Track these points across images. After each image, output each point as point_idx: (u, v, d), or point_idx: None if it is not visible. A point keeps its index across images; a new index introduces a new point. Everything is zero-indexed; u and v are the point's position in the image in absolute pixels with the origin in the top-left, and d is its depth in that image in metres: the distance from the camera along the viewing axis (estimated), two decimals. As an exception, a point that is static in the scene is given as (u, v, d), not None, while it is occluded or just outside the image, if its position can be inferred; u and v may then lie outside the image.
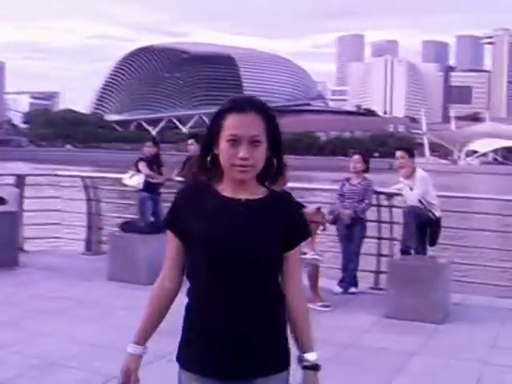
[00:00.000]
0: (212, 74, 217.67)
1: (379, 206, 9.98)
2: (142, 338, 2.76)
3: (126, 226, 10.41)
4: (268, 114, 2.65)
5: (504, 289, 10.56)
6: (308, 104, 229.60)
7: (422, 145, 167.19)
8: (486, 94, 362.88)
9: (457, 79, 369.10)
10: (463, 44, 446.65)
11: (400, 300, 8.06)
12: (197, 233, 2.59)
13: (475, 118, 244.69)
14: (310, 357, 2.69)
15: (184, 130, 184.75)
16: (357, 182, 9.53)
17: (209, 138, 2.68)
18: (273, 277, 2.67)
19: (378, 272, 9.89)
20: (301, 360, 2.70)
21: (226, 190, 2.67)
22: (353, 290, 9.36)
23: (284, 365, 2.66)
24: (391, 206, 9.93)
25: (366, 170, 9.68)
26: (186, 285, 2.70)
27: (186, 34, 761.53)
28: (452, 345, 7.10)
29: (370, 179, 9.66)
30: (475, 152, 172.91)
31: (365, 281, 9.83)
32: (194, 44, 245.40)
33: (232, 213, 2.62)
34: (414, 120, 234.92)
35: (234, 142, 2.57)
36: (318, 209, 8.93)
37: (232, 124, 2.58)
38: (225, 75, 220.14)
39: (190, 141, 11.13)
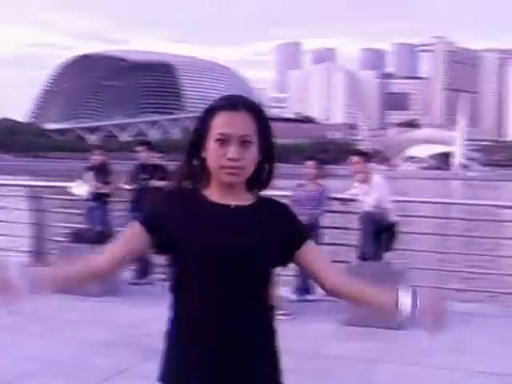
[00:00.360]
0: (151, 82, 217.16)
1: (334, 211, 9.87)
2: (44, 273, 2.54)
3: (74, 236, 10.12)
4: (260, 114, 2.48)
5: (461, 293, 10.56)
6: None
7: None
8: (422, 100, 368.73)
9: (394, 86, 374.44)
10: (400, 52, 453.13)
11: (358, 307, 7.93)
12: (189, 244, 2.38)
13: (413, 125, 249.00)
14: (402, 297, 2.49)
15: (123, 138, 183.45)
16: (312, 187, 9.40)
17: (195, 139, 2.50)
18: (267, 286, 2.50)
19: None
20: (402, 304, 2.48)
21: (213, 195, 2.49)
22: (309, 297, 9.22)
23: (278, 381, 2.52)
24: (346, 212, 9.83)
25: (321, 176, 9.56)
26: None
27: (125, 41, 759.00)
28: (415, 351, 6.99)
29: (325, 185, 9.54)
30: (413, 158, 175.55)
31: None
32: (133, 52, 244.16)
33: (224, 220, 2.44)
34: (352, 126, 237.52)
35: (223, 141, 2.39)
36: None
37: (221, 122, 2.41)
38: (164, 83, 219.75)
39: (140, 148, 10.82)
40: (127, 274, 10.06)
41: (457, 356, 6.86)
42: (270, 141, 2.52)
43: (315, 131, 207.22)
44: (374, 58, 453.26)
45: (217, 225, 2.43)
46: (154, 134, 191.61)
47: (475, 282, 11.91)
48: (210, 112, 2.46)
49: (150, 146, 11.03)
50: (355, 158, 9.06)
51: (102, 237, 9.81)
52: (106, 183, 10.72)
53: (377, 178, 8.97)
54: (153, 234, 2.44)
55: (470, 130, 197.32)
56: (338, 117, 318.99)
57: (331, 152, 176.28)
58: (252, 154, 2.43)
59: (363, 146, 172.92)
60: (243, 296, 2.41)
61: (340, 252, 10.00)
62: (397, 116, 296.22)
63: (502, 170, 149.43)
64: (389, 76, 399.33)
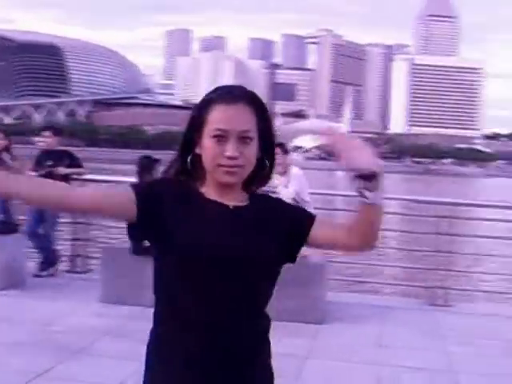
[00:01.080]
0: (36, 63, 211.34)
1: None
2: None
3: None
4: (260, 106, 2.30)
5: (380, 286, 10.60)
6: (136, 97, 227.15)
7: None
8: (309, 91, 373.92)
9: (282, 76, 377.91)
10: (288, 43, 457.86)
11: (279, 301, 7.78)
12: (188, 241, 2.17)
13: (300, 115, 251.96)
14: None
15: (7, 121, 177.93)
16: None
17: (189, 134, 2.29)
18: (268, 289, 2.35)
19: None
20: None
21: (209, 193, 2.29)
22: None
23: None
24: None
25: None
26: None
27: (10, 20, 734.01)
28: (340, 346, 6.95)
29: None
30: (300, 148, 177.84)
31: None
32: (18, 31, 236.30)
33: (224, 221, 2.25)
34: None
35: (221, 138, 2.20)
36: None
37: (218, 117, 2.21)
38: (50, 65, 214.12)
39: (47, 133, 10.23)
40: (31, 264, 9.57)
41: (382, 351, 6.85)
42: (272, 135, 2.34)
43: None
44: (263, 48, 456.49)
45: (217, 225, 2.24)
46: (37, 118, 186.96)
47: (388, 275, 12.04)
48: (205, 104, 2.26)
49: (56, 130, 10.50)
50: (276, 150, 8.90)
51: (4, 226, 9.30)
52: (8, 169, 10.12)
53: (295, 170, 8.84)
54: (142, 212, 2.19)
55: (354, 122, 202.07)
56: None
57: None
58: (252, 152, 2.25)
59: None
60: (242, 299, 2.24)
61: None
62: (284, 106, 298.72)
63: (386, 162, 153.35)
64: (277, 66, 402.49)
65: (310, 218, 2.38)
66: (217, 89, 2.31)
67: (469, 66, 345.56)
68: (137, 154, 11.26)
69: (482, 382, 6.16)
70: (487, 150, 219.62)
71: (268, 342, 2.36)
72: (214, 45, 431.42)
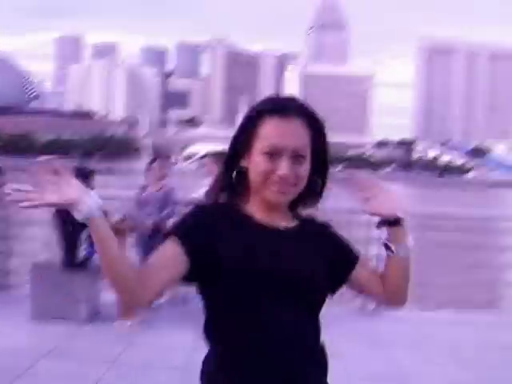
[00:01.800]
0: None
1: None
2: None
3: None
4: (315, 121, 2.15)
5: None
6: (25, 105, 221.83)
7: (138, 149, 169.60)
8: (203, 99, 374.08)
9: (175, 84, 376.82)
10: (182, 50, 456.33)
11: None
12: (244, 269, 2.01)
13: (193, 123, 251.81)
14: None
15: None
16: (156, 188, 8.92)
17: (236, 147, 2.14)
18: (318, 317, 2.20)
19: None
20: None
21: (255, 213, 2.14)
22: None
23: None
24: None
25: (165, 176, 9.13)
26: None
27: None
28: (153, 350, 6.81)
29: (171, 186, 9.09)
30: (193, 155, 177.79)
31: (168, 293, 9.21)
32: None
33: (275, 244, 2.09)
34: (133, 123, 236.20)
35: (273, 155, 2.04)
36: (124, 217, 8.30)
37: (272, 132, 2.05)
38: None
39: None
40: None
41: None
42: (326, 152, 2.19)
43: (95, 126, 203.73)
44: (156, 56, 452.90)
45: (269, 249, 2.07)
46: None
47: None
48: (256, 116, 2.10)
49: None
50: (209, 159, 8.80)
51: None
52: None
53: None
54: (194, 257, 2.01)
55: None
56: (119, 113, 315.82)
57: (113, 148, 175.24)
58: (305, 171, 2.10)
59: (144, 143, 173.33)
60: (300, 326, 2.09)
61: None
62: (178, 114, 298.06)
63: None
64: (170, 74, 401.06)
65: (356, 256, 2.29)
66: (269, 100, 2.16)
67: (359, 75, 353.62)
68: (30, 161, 10.85)
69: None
70: (378, 156, 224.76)
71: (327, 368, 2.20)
72: (106, 51, 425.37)
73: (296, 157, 2.05)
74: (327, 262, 2.18)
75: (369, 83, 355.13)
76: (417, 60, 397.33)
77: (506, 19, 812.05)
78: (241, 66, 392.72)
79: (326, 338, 2.08)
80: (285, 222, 2.16)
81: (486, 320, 9.08)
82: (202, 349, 2.14)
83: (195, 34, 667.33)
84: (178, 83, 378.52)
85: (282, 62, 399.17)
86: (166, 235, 2.03)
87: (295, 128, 2.06)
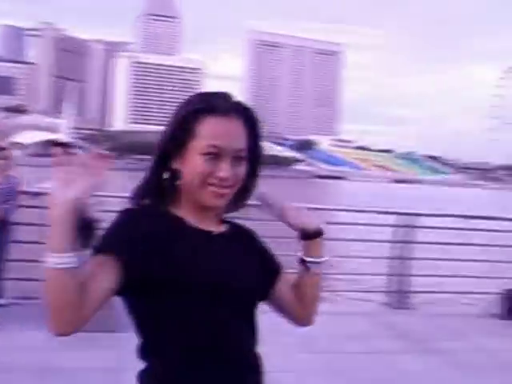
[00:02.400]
0: None
1: (27, 207, 8.98)
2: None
3: None
4: (252, 120, 2.03)
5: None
6: None
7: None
8: (29, 86, 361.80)
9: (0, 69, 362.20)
10: (7, 34, 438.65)
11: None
12: (181, 279, 1.86)
13: (20, 110, 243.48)
14: None
15: None
16: (0, 180, 8.52)
17: (169, 147, 1.97)
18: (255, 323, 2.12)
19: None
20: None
21: (187, 217, 2.00)
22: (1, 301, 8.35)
23: None
24: (40, 207, 9.06)
25: (10, 168, 8.74)
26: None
27: None
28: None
29: (16, 177, 8.72)
30: (19, 144, 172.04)
31: (16, 290, 8.85)
32: None
33: (211, 250, 1.98)
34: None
35: (213, 155, 1.92)
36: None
37: (212, 131, 1.92)
38: None
39: None
40: None
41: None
42: (261, 153, 2.09)
43: None
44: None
45: (207, 257, 1.95)
46: None
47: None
48: (194, 115, 1.95)
49: None
50: (57, 149, 8.47)
51: None
52: None
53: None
54: (129, 271, 1.83)
55: (76, 119, 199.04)
56: None
57: None
58: (243, 172, 2.00)
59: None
60: (239, 334, 2.00)
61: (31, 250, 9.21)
62: (2, 100, 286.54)
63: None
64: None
65: (280, 266, 2.22)
66: (205, 97, 2.01)
67: (189, 66, 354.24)
68: None
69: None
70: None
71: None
72: None
73: (236, 158, 1.94)
74: (259, 267, 2.10)
75: (200, 75, 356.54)
76: (245, 54, 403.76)
77: (331, 19, 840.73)
78: (69, 52, 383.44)
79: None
80: (215, 227, 2.05)
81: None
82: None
83: (21, 18, 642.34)
84: (2, 68, 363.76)
85: (112, 50, 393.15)
86: (98, 247, 1.84)
87: (236, 128, 1.96)
